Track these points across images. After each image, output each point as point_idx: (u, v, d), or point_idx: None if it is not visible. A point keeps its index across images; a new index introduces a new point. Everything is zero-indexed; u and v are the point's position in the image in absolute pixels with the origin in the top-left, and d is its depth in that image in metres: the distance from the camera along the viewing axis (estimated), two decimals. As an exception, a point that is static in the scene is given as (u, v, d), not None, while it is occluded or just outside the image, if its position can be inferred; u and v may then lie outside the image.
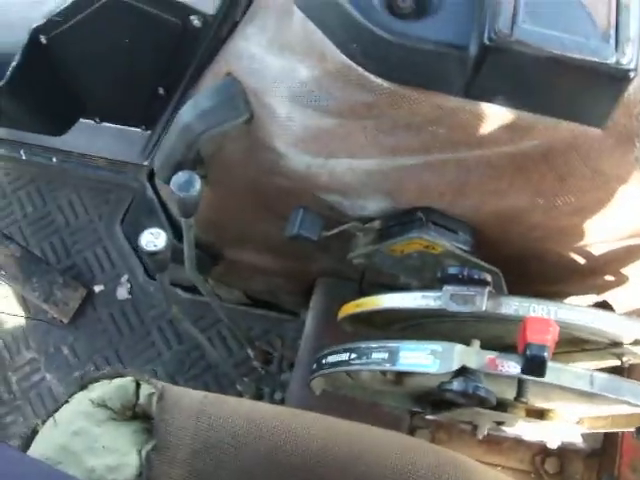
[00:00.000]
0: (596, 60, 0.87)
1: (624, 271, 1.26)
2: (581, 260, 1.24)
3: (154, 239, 1.16)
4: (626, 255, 1.22)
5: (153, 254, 1.16)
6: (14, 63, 1.57)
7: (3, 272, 2.07)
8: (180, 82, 1.50)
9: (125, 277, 2.10)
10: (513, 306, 1.04)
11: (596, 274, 1.28)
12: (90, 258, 2.14)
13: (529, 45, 0.87)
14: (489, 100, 0.95)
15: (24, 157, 2.15)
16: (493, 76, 0.91)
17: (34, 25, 1.55)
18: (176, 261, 1.35)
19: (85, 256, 2.14)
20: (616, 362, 1.16)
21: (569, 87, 0.92)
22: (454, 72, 0.93)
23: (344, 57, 0.97)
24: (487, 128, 0.99)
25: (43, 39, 1.58)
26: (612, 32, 0.89)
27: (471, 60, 0.90)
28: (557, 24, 0.88)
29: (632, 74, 0.88)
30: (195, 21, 1.38)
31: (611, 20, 0.89)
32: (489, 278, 1.07)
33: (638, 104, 0.95)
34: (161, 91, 1.60)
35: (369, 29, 0.92)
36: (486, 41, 0.87)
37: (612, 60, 0.87)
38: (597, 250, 1.21)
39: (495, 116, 0.97)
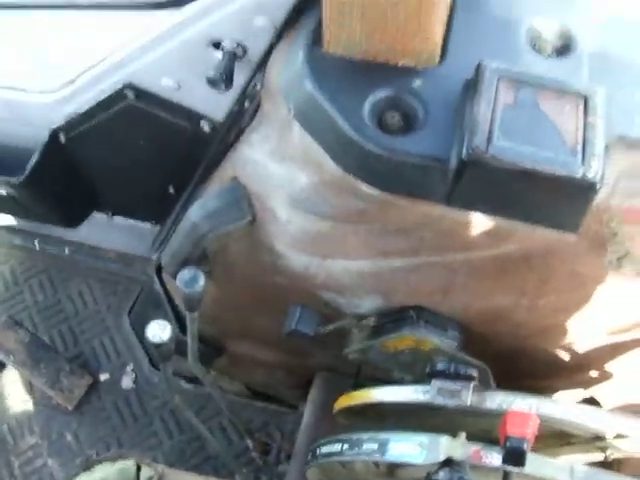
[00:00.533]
0: (565, 173, 0.97)
1: (608, 367, 1.33)
2: (567, 357, 1.31)
3: (160, 331, 1.24)
4: (610, 352, 1.29)
5: (158, 345, 1.25)
6: (33, 159, 1.70)
7: (12, 357, 2.15)
8: (189, 182, 1.62)
9: (130, 367, 2.17)
10: (497, 400, 1.10)
11: (582, 370, 1.35)
12: (97, 347, 2.22)
13: (503, 160, 0.97)
14: (470, 208, 1.05)
15: (38, 247, 2.27)
16: (472, 187, 1.02)
17: (55, 125, 1.69)
18: (180, 352, 1.43)
19: (92, 345, 2.22)
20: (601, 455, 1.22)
21: (542, 197, 1.02)
22: (437, 183, 1.03)
23: (339, 168, 1.08)
24: (470, 233, 1.09)
25: (62, 138, 1.72)
26: (579, 148, 0.99)
27: (452, 173, 1.01)
28: (529, 140, 0.99)
29: (598, 185, 0.98)
30: (205, 127, 1.51)
31: (579, 137, 1.00)
32: (475, 373, 1.14)
33: (607, 212, 1.05)
34: (171, 190, 1.72)
35: (360, 144, 1.04)
36: (464, 156, 0.98)
37: (579, 173, 0.97)
38: (581, 347, 1.29)
39: (476, 223, 1.07)
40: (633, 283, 1.14)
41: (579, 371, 1.35)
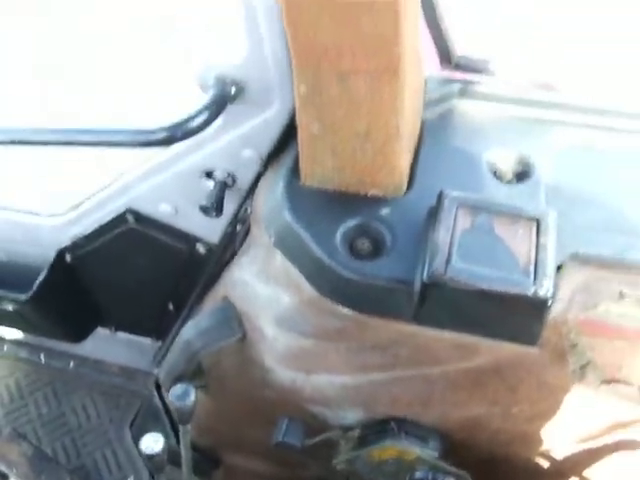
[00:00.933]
0: (517, 292, 1.10)
1: (587, 474, 1.42)
2: (546, 463, 1.41)
3: (153, 443, 1.36)
4: (587, 458, 1.39)
5: (151, 457, 1.36)
6: (41, 278, 1.86)
7: (14, 470, 2.23)
8: (187, 299, 1.76)
9: (131, 479, 2.25)
10: (472, 509, 1.21)
11: (562, 477, 1.43)
12: (99, 459, 2.31)
13: (460, 281, 1.11)
14: (437, 326, 1.19)
15: (43, 361, 2.40)
16: (435, 307, 1.15)
17: (61, 246, 1.86)
18: (178, 464, 1.54)
19: (94, 457, 2.31)
20: None
21: (500, 314, 1.15)
22: (405, 303, 1.17)
23: (315, 290, 1.22)
24: (440, 348, 1.22)
25: (68, 258, 1.88)
26: (532, 267, 1.12)
27: (416, 294, 1.15)
28: (484, 261, 1.13)
29: (549, 302, 1.11)
30: (200, 249, 1.67)
31: (531, 257, 1.14)
32: (453, 481, 1.25)
33: (565, 324, 1.18)
34: (170, 307, 1.87)
35: (333, 269, 1.18)
36: (425, 279, 1.12)
37: (531, 291, 1.10)
38: (559, 454, 1.38)
39: (445, 338, 1.20)
40: (599, 391, 1.25)
41: (559, 478, 1.43)
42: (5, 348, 2.45)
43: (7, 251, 1.97)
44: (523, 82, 1.47)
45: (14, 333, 2.38)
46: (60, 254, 1.88)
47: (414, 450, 1.33)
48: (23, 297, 1.87)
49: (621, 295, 1.18)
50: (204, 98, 1.31)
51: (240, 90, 1.33)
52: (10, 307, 1.95)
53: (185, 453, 1.50)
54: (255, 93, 1.33)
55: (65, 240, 1.85)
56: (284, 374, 1.39)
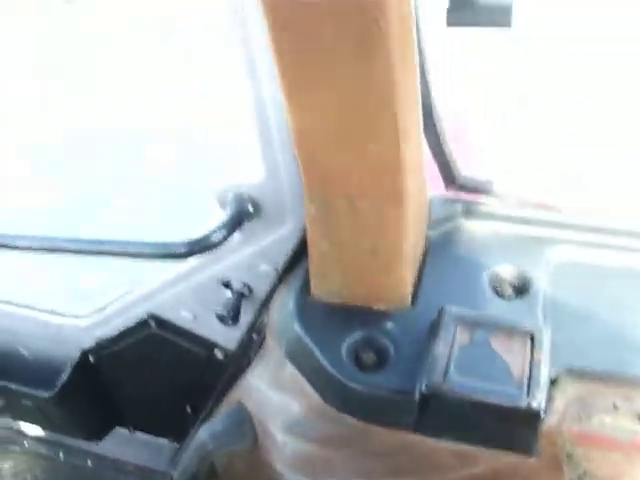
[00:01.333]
0: (511, 404, 1.21)
1: None
2: None
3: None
4: None
5: None
6: (64, 377, 1.98)
7: None
8: (205, 403, 1.87)
9: None
10: None
11: None
12: None
13: (457, 393, 1.22)
14: (436, 435, 1.29)
15: (62, 458, 2.50)
16: (434, 417, 1.26)
17: (85, 346, 1.99)
18: None
19: None
20: None
21: (495, 425, 1.25)
22: (406, 413, 1.28)
23: (321, 399, 1.34)
24: (440, 457, 1.32)
25: (92, 359, 2.01)
26: (525, 381, 1.23)
27: (416, 404, 1.25)
28: (481, 375, 1.24)
29: (542, 414, 1.21)
30: (218, 354, 1.79)
31: (525, 371, 1.25)
32: None
33: (560, 436, 1.27)
34: (188, 409, 1.98)
35: (338, 379, 1.30)
36: (424, 390, 1.23)
37: (524, 404, 1.20)
38: None
39: (445, 447, 1.30)
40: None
41: None
42: (25, 444, 2.54)
43: (31, 349, 2.10)
44: (524, 202, 1.60)
45: (34, 429, 2.48)
46: (84, 355, 2.00)
47: None
48: (46, 395, 1.99)
49: (615, 407, 1.28)
50: (222, 215, 1.45)
51: (257, 208, 1.47)
52: (32, 404, 2.07)
53: None
54: (270, 211, 1.47)
55: (89, 341, 1.98)
56: (293, 478, 1.48)
